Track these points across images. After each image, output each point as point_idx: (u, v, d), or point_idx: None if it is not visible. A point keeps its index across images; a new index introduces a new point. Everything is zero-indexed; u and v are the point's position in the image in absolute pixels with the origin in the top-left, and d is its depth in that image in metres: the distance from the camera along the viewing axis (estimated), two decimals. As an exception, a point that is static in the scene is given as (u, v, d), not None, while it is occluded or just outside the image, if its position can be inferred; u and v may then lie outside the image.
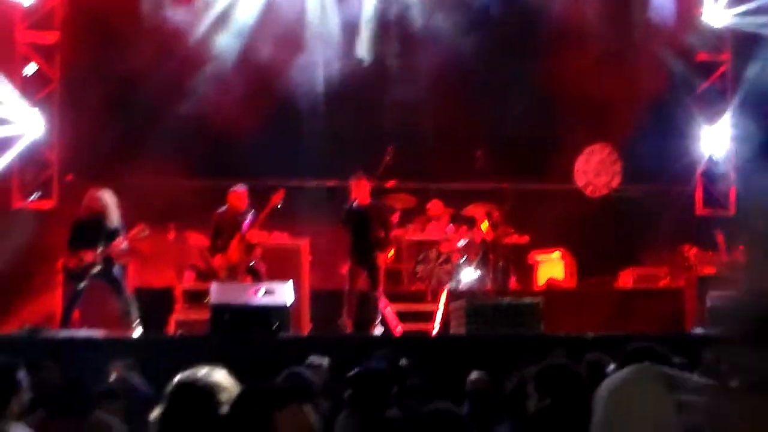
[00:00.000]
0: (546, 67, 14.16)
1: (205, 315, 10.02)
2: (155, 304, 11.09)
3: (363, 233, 10.98)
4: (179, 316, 11.25)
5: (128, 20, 13.11)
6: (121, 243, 9.95)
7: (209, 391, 3.36)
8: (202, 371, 3.48)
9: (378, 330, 10.94)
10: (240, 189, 10.98)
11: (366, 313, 11.12)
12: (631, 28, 14.77)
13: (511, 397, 5.83)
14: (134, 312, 9.91)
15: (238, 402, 3.59)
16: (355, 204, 11.10)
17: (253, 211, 10.88)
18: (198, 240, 12.37)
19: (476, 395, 6.67)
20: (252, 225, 10.76)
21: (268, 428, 3.45)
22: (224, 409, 3.35)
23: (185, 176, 13.27)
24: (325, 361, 6.99)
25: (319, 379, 6.07)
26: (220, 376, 3.53)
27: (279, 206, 10.73)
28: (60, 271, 10.63)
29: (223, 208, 10.94)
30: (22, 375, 4.52)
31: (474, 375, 7.01)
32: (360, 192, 11.09)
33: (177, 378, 3.50)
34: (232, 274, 10.61)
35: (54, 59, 13.58)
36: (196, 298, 11.16)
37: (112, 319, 10.05)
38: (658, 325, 11.99)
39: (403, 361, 6.84)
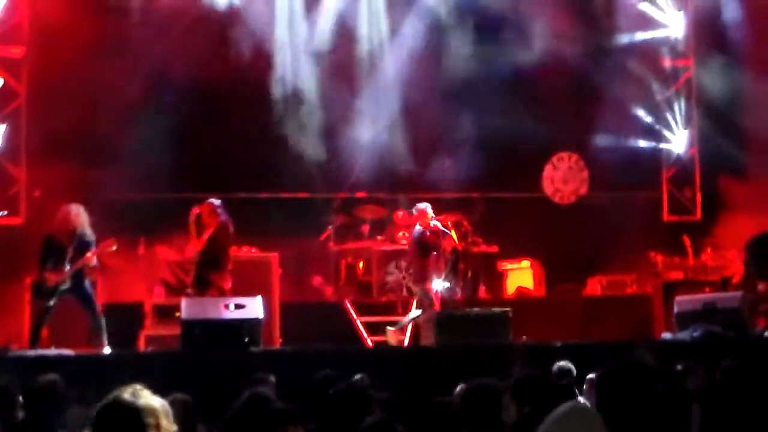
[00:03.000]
0: (513, 75, 14.29)
1: (175, 330, 10.00)
2: (125, 320, 11.07)
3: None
4: (149, 331, 11.24)
5: (95, 35, 13.04)
6: (92, 258, 9.92)
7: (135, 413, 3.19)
8: (128, 392, 3.28)
9: None
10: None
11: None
12: (597, 35, 14.93)
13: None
14: (104, 329, 9.86)
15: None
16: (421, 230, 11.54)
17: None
18: (167, 254, 12.36)
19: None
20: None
21: None
22: None
23: (155, 191, 13.24)
24: (271, 378, 7.02)
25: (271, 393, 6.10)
26: (148, 397, 3.30)
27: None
28: (28, 288, 10.57)
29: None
30: None
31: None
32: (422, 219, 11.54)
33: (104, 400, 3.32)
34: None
35: (21, 74, 13.51)
36: (167, 313, 11.15)
37: (82, 336, 10.02)
38: (626, 331, 12.11)
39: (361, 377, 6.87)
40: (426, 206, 11.63)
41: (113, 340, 9.94)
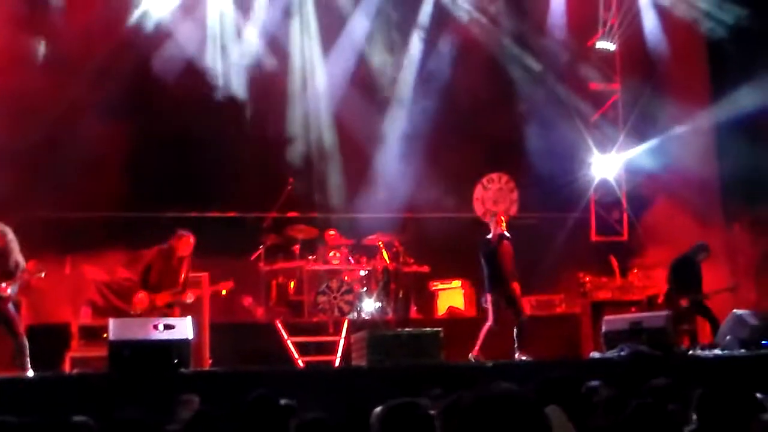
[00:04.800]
0: (444, 96, 14.43)
1: (102, 352, 9.79)
2: (50, 341, 10.82)
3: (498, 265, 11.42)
4: (75, 353, 11.00)
5: (24, 52, 12.79)
6: (14, 283, 9.67)
7: None
8: None
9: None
10: (187, 235, 10.69)
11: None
12: (527, 56, 15.16)
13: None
14: (27, 351, 9.61)
15: None
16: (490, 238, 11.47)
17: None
18: (95, 274, 12.13)
19: None
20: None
21: None
22: None
23: (82, 209, 12.98)
24: (195, 398, 6.95)
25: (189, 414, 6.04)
26: None
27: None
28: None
29: (165, 247, 10.65)
30: None
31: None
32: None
33: None
34: (149, 312, 10.39)
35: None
36: (93, 334, 10.93)
37: (4, 359, 9.76)
38: (555, 350, 12.26)
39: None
40: (498, 213, 12.01)
41: (37, 362, 9.69)
